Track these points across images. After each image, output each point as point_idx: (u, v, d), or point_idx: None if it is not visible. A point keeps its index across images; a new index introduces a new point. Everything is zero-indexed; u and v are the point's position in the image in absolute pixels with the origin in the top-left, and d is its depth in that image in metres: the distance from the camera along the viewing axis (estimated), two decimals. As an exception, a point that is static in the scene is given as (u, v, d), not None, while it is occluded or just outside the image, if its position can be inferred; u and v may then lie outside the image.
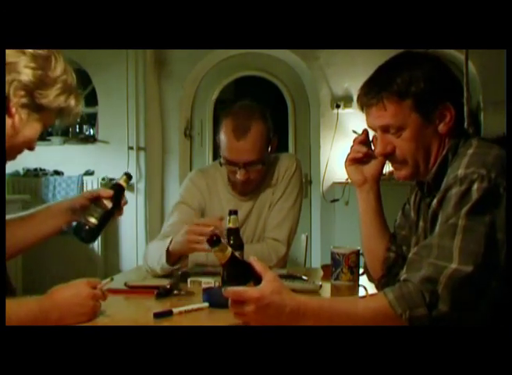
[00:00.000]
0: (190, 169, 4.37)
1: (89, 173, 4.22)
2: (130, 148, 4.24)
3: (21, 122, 1.17)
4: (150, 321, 1.24)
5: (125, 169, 4.19)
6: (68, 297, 1.19)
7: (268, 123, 1.88)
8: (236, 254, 1.17)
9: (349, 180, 1.44)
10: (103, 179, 4.16)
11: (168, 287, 1.50)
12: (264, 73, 4.50)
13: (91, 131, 4.50)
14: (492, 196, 1.07)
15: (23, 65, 1.14)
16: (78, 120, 4.42)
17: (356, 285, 1.49)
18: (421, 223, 1.31)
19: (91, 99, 4.29)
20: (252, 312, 1.04)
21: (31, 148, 1.26)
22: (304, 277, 1.62)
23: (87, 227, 1.40)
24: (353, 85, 4.08)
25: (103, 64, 4.18)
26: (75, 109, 1.26)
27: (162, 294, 1.47)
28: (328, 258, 1.53)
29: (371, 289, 1.45)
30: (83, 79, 4.12)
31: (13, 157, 1.25)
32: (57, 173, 4.24)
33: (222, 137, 1.85)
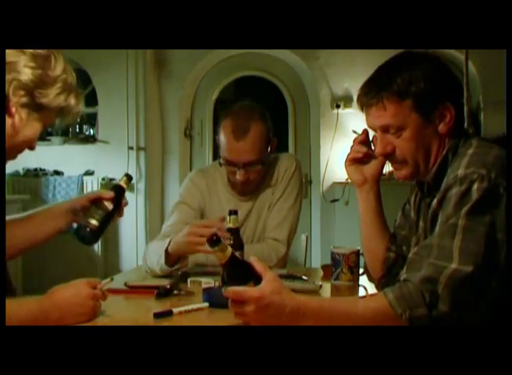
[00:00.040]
0: (190, 169, 4.37)
1: (89, 173, 4.23)
2: (130, 148, 4.24)
3: (21, 121, 1.17)
4: (150, 321, 1.24)
5: (125, 169, 4.19)
6: (68, 297, 1.19)
7: (267, 123, 1.88)
8: (237, 254, 1.17)
9: (349, 180, 1.44)
10: (103, 179, 4.16)
11: (168, 287, 1.50)
12: (264, 73, 4.50)
13: (91, 131, 4.51)
14: (492, 196, 1.07)
15: (22, 64, 1.14)
16: (78, 120, 4.42)
17: (356, 285, 1.49)
18: (421, 223, 1.31)
19: (91, 99, 4.29)
20: (252, 312, 1.04)
21: (32, 148, 1.26)
22: (304, 277, 1.62)
23: (88, 229, 1.40)
24: (353, 85, 4.08)
25: (103, 64, 4.18)
26: (75, 108, 1.26)
27: (162, 294, 1.47)
28: (328, 258, 1.53)
29: (371, 289, 1.45)
30: (83, 79, 4.13)
31: (14, 156, 1.25)
32: (57, 173, 4.24)
33: (222, 137, 1.85)
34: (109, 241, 4.18)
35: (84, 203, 1.46)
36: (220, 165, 1.90)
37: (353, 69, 4.05)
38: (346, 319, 1.06)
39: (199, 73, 4.50)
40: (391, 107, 1.20)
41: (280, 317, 1.05)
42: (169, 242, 1.67)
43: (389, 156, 1.26)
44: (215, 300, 1.34)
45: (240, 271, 1.12)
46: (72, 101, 1.24)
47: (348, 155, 1.41)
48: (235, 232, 1.53)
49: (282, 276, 1.41)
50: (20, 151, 1.25)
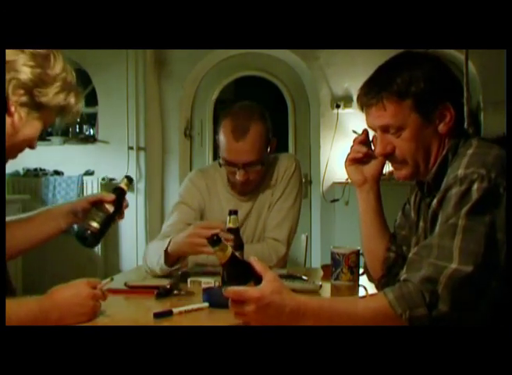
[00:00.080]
0: (190, 169, 4.37)
1: (89, 173, 4.22)
2: (130, 148, 4.24)
3: (21, 120, 1.16)
4: (150, 321, 1.24)
5: (125, 169, 4.19)
6: (68, 297, 1.19)
7: (267, 123, 1.88)
8: (237, 254, 1.17)
9: (349, 180, 1.44)
10: (103, 179, 4.16)
11: (168, 287, 1.50)
12: (264, 73, 4.50)
13: (91, 131, 4.51)
14: (492, 196, 1.07)
15: (21, 63, 1.13)
16: (78, 120, 4.42)
17: (356, 285, 1.49)
18: (421, 223, 1.31)
19: (91, 99, 4.29)
20: (252, 312, 1.04)
21: (32, 147, 1.26)
22: (304, 277, 1.62)
23: (89, 232, 1.40)
24: (353, 85, 4.08)
25: (103, 64, 4.18)
26: (75, 107, 1.25)
27: (162, 294, 1.47)
28: (328, 258, 1.53)
29: (371, 289, 1.45)
30: (83, 79, 4.13)
31: (14, 156, 1.25)
32: (57, 173, 4.24)
33: (222, 137, 1.85)
34: (109, 241, 4.18)
35: (85, 205, 1.46)
36: (220, 165, 1.90)
37: (353, 69, 4.05)
38: (346, 319, 1.06)
39: (199, 73, 4.50)
40: (391, 107, 1.20)
41: (280, 317, 1.05)
42: (169, 242, 1.67)
43: (389, 156, 1.26)
44: (215, 300, 1.34)
45: (240, 271, 1.12)
46: (71, 99, 1.23)
47: (348, 155, 1.41)
48: (235, 232, 1.53)
49: (282, 276, 1.41)
50: (21, 150, 1.25)
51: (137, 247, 4.14)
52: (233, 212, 1.56)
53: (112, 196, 1.45)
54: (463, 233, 1.06)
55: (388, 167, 1.34)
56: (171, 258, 1.67)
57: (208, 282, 1.55)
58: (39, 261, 3.85)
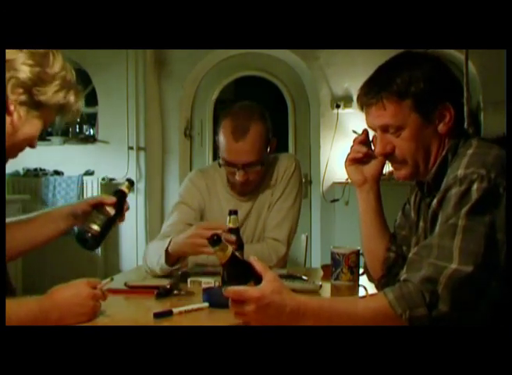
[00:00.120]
0: (190, 169, 4.37)
1: (89, 173, 4.22)
2: (130, 148, 4.24)
3: (20, 119, 1.16)
4: (150, 321, 1.24)
5: (125, 169, 4.20)
6: (68, 297, 1.19)
7: (267, 123, 1.88)
8: (237, 254, 1.17)
9: (349, 180, 1.44)
10: (103, 179, 4.16)
11: (168, 287, 1.50)
12: (264, 73, 4.50)
13: (91, 131, 4.51)
14: (491, 196, 1.07)
15: (20, 62, 1.13)
16: (78, 120, 4.42)
17: (356, 285, 1.49)
18: (421, 223, 1.31)
19: (91, 99, 4.29)
20: (252, 312, 1.04)
21: (32, 146, 1.25)
22: (304, 277, 1.62)
23: (89, 234, 1.39)
24: (353, 85, 4.08)
25: (103, 64, 4.18)
26: (75, 106, 1.25)
27: (162, 294, 1.47)
28: (328, 258, 1.53)
29: (371, 289, 1.45)
30: (83, 79, 4.12)
31: (14, 155, 1.25)
32: (57, 173, 4.24)
33: (221, 138, 1.85)
34: (109, 241, 4.18)
35: (85, 207, 1.46)
36: (220, 166, 1.90)
37: (353, 69, 4.05)
38: (346, 319, 1.06)
39: (199, 73, 4.50)
40: (391, 107, 1.20)
41: (280, 317, 1.05)
42: (169, 242, 1.67)
43: (389, 156, 1.26)
44: (215, 300, 1.34)
45: (240, 271, 1.12)
46: (71, 98, 1.23)
47: (348, 155, 1.41)
48: (235, 232, 1.53)
49: (282, 276, 1.40)
50: (21, 149, 1.25)
51: (137, 247, 4.15)
52: (233, 212, 1.56)
53: (112, 199, 1.44)
54: (463, 234, 1.06)
55: (388, 167, 1.34)
56: (171, 258, 1.67)
57: (208, 282, 1.55)
58: (39, 261, 3.85)
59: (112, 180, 4.20)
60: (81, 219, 1.45)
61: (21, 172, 4.19)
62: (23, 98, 1.15)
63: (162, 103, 4.40)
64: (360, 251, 1.48)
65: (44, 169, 4.25)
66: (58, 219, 1.46)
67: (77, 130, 4.50)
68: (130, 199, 1.50)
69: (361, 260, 1.49)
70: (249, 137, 1.80)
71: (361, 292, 1.47)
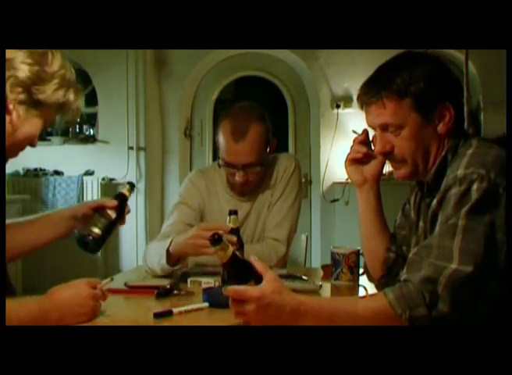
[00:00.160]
0: (190, 169, 4.37)
1: (89, 173, 4.23)
2: (130, 148, 4.24)
3: (19, 118, 1.16)
4: (150, 321, 1.24)
5: (125, 169, 4.19)
6: (68, 297, 1.19)
7: (266, 124, 1.87)
8: (237, 253, 1.17)
9: (349, 180, 1.44)
10: (103, 179, 4.16)
11: (168, 287, 1.50)
12: (264, 73, 4.50)
13: (91, 131, 4.51)
14: (491, 196, 1.07)
15: (19, 61, 1.13)
16: (78, 120, 4.42)
17: (356, 285, 1.49)
18: (421, 223, 1.31)
19: (91, 99, 4.29)
20: (253, 312, 1.04)
21: (33, 145, 1.25)
22: (304, 277, 1.62)
23: (90, 238, 1.39)
24: (353, 85, 4.08)
25: (103, 64, 4.18)
26: (75, 104, 1.25)
27: (162, 294, 1.47)
28: (328, 258, 1.53)
29: (371, 289, 1.45)
30: (83, 79, 4.12)
31: (15, 154, 1.24)
32: (57, 173, 4.24)
33: (221, 139, 1.84)
34: (109, 241, 4.14)
35: (86, 211, 1.45)
36: (219, 166, 1.89)
37: (353, 69, 4.05)
38: (346, 319, 1.06)
39: (199, 73, 4.50)
40: (390, 105, 1.20)
41: (280, 317, 1.05)
42: (170, 242, 1.67)
43: (388, 155, 1.26)
44: (215, 300, 1.34)
45: (240, 270, 1.12)
46: (71, 96, 1.23)
47: (348, 155, 1.41)
48: (235, 232, 1.53)
49: (282, 276, 1.40)
50: (21, 148, 1.24)
51: (137, 247, 4.15)
52: (233, 212, 1.56)
53: (113, 202, 1.44)
54: (463, 234, 1.06)
55: (388, 167, 1.34)
56: (172, 258, 1.67)
57: (208, 282, 1.55)
58: (39, 261, 3.85)
59: (112, 180, 4.20)
60: (81, 222, 1.45)
61: (21, 172, 4.19)
62: (22, 97, 1.15)
63: (162, 103, 4.40)
64: (360, 251, 1.48)
65: (44, 169, 4.25)
66: (59, 221, 1.46)
67: (77, 130, 4.50)
68: (130, 199, 1.50)
69: (361, 260, 1.49)
70: (248, 138, 1.80)
71: (361, 292, 1.47)
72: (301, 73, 4.43)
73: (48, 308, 1.15)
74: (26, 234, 1.44)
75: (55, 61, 1.19)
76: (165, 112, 4.40)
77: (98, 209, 1.44)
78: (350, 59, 4.10)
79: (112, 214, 1.43)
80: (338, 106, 4.16)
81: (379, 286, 1.40)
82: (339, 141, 4.11)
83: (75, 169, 4.21)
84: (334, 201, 4.07)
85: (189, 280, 1.61)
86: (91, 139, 4.39)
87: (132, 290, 1.56)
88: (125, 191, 1.48)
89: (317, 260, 4.01)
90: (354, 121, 3.87)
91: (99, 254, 4.13)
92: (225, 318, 1.19)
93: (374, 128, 1.27)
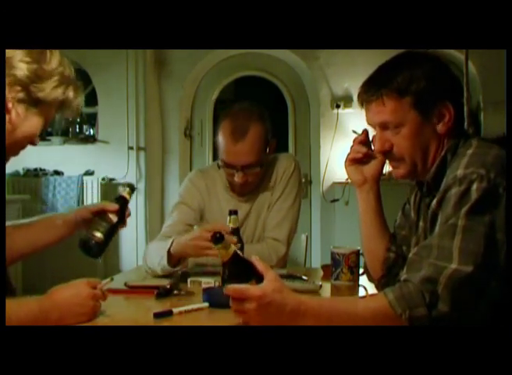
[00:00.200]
0: (190, 169, 4.37)
1: (89, 173, 4.22)
2: (130, 148, 4.24)
3: (18, 117, 1.16)
4: (150, 321, 1.24)
5: (125, 169, 4.19)
6: (68, 297, 1.18)
7: (266, 124, 1.87)
8: (239, 252, 1.17)
9: (349, 180, 1.44)
10: (103, 179, 4.16)
11: (168, 287, 1.50)
12: (264, 73, 4.50)
13: (91, 131, 4.50)
14: (491, 196, 1.07)
15: (17, 59, 1.13)
16: (78, 120, 4.42)
17: (356, 285, 1.49)
18: (421, 223, 1.31)
19: (91, 99, 4.29)
20: (253, 310, 1.04)
21: (33, 143, 1.25)
22: (304, 277, 1.62)
23: (93, 242, 1.39)
24: (353, 85, 4.08)
25: (103, 64, 4.18)
26: (74, 101, 1.24)
27: (162, 294, 1.47)
28: (328, 258, 1.53)
29: (371, 289, 1.45)
30: (83, 79, 4.11)
31: (16, 153, 1.24)
32: (57, 173, 4.24)
33: (220, 139, 1.84)
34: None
35: (87, 215, 1.45)
36: (219, 167, 1.89)
37: (353, 69, 4.05)
38: (346, 318, 1.06)
39: (199, 73, 4.50)
40: (390, 103, 1.20)
41: (281, 316, 1.05)
42: (171, 243, 1.67)
43: (387, 154, 1.27)
44: (215, 300, 1.34)
45: (242, 269, 1.12)
46: (70, 93, 1.22)
47: (348, 155, 1.41)
48: (235, 232, 1.53)
49: (282, 276, 1.40)
50: (22, 147, 1.24)
51: (137, 247, 4.14)
52: (233, 212, 1.56)
53: (115, 206, 1.44)
54: (462, 234, 1.06)
55: (388, 167, 1.34)
56: (173, 259, 1.68)
57: (208, 282, 1.55)
58: (39, 261, 3.84)
59: (112, 180, 4.20)
60: (82, 226, 1.45)
61: (21, 172, 4.19)
62: (20, 95, 1.14)
63: (162, 103, 4.40)
64: (360, 251, 1.48)
65: (44, 169, 4.24)
66: (59, 225, 1.46)
67: (77, 130, 4.50)
68: (130, 199, 1.50)
69: (361, 260, 1.49)
70: (248, 139, 1.80)
71: (361, 292, 1.47)
72: (301, 73, 4.43)
73: (48, 308, 1.15)
74: (27, 237, 1.44)
75: (54, 58, 1.19)
76: (165, 112, 4.40)
77: (99, 213, 1.43)
78: (350, 59, 4.09)
79: (114, 218, 1.43)
80: (338, 106, 4.16)
81: (379, 286, 1.40)
82: (339, 141, 4.10)
83: (75, 169, 4.20)
84: (334, 201, 4.07)
85: (189, 280, 1.61)
86: (91, 139, 4.39)
87: (132, 290, 1.56)
88: (125, 193, 1.47)
89: (317, 260, 4.00)
90: (354, 121, 3.87)
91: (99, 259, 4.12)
92: (225, 318, 1.19)
93: (373, 126, 1.27)
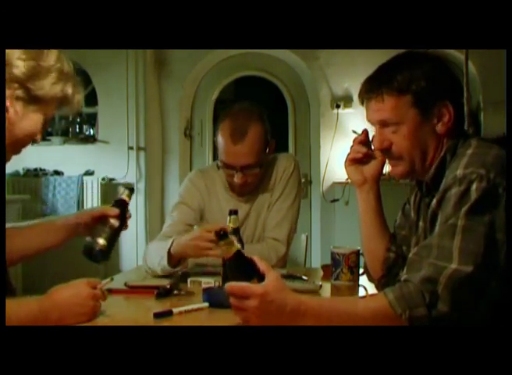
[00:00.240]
0: (190, 169, 4.37)
1: (89, 173, 4.22)
2: (130, 148, 4.24)
3: (16, 115, 1.15)
4: (150, 321, 1.24)
5: (125, 169, 4.19)
6: (68, 297, 1.18)
7: (265, 125, 1.87)
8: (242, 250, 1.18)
9: (349, 180, 1.44)
10: (103, 179, 4.16)
11: (168, 287, 1.50)
12: (264, 73, 4.50)
13: (91, 131, 4.50)
14: (491, 196, 1.07)
15: (15, 57, 1.12)
16: (78, 120, 4.42)
17: (356, 285, 1.49)
18: (420, 223, 1.31)
19: (91, 99, 4.29)
20: (254, 308, 1.04)
21: (36, 140, 1.24)
22: (304, 277, 1.62)
23: (97, 249, 1.38)
24: (353, 85, 4.08)
25: (103, 64, 4.18)
26: (75, 97, 1.24)
27: (162, 294, 1.47)
28: (328, 258, 1.53)
29: (371, 289, 1.45)
30: (83, 79, 4.11)
31: (17, 151, 1.23)
32: (57, 173, 4.24)
33: (220, 140, 1.84)
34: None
35: (87, 220, 1.44)
36: (218, 168, 1.89)
37: (353, 69, 4.05)
38: (346, 318, 1.06)
39: (199, 73, 4.50)
40: (390, 100, 1.20)
41: (281, 315, 1.05)
42: (171, 243, 1.67)
43: (386, 152, 1.27)
44: (215, 300, 1.34)
45: (244, 267, 1.13)
46: (69, 90, 1.21)
47: (348, 155, 1.41)
48: (235, 232, 1.53)
49: (282, 276, 1.40)
50: (24, 145, 1.23)
51: (137, 247, 4.14)
52: (233, 212, 1.56)
53: (115, 211, 1.42)
54: (462, 234, 1.06)
55: (388, 167, 1.34)
56: (173, 259, 1.68)
57: (208, 282, 1.55)
58: (39, 261, 3.83)
59: (112, 180, 4.20)
60: (82, 230, 1.45)
61: (21, 172, 4.19)
62: (18, 93, 1.14)
63: (162, 103, 4.40)
64: (360, 251, 1.48)
65: (44, 169, 4.24)
66: (59, 229, 1.46)
67: (77, 130, 4.50)
68: (130, 201, 1.49)
69: (361, 260, 1.49)
70: (247, 140, 1.80)
71: (361, 292, 1.47)
72: (301, 73, 4.43)
73: (48, 308, 1.15)
74: (27, 239, 1.44)
75: (51, 55, 1.18)
76: (165, 112, 4.40)
77: (100, 218, 1.43)
78: (350, 59, 4.09)
79: (115, 223, 1.42)
80: (338, 106, 4.16)
81: (379, 286, 1.40)
82: (339, 141, 4.10)
83: (75, 169, 4.20)
84: (334, 201, 4.07)
85: (189, 280, 1.61)
86: (91, 139, 4.39)
87: (132, 290, 1.56)
88: (124, 196, 1.46)
89: (317, 260, 4.01)
90: (354, 121, 3.87)
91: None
92: (225, 318, 1.19)
93: (373, 124, 1.27)
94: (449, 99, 1.21)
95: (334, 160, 4.09)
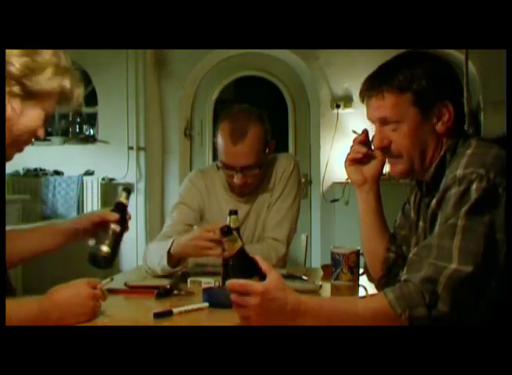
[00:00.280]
0: (190, 169, 4.37)
1: (89, 173, 4.22)
2: (130, 148, 4.24)
3: (14, 111, 1.15)
4: (150, 321, 1.24)
5: (125, 169, 4.19)
6: (68, 297, 1.18)
7: (265, 125, 1.87)
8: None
9: (349, 180, 1.44)
10: (103, 179, 4.16)
11: (168, 287, 1.50)
12: (264, 73, 4.50)
13: (91, 131, 4.50)
14: (491, 196, 1.07)
15: (10, 54, 1.12)
16: (78, 120, 4.42)
17: (356, 285, 1.49)
18: (420, 223, 1.31)
19: (91, 99, 4.29)
20: (255, 305, 1.04)
21: (38, 137, 1.23)
22: (304, 277, 1.62)
23: (101, 256, 1.37)
24: (353, 85, 4.07)
25: (103, 64, 4.18)
26: (74, 92, 1.23)
27: (162, 294, 1.47)
28: (328, 258, 1.53)
29: (371, 289, 1.45)
30: (83, 79, 4.11)
31: (20, 149, 1.23)
32: (57, 173, 4.24)
33: (220, 140, 1.84)
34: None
35: (87, 225, 1.44)
36: (218, 168, 1.89)
37: (353, 69, 4.04)
38: (346, 318, 1.06)
39: (199, 73, 4.49)
40: (391, 98, 1.20)
41: (281, 314, 1.05)
42: (172, 243, 1.67)
43: (385, 150, 1.27)
44: (215, 300, 1.34)
45: (246, 265, 1.13)
46: (67, 84, 1.20)
47: (348, 155, 1.41)
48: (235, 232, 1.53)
49: (282, 276, 1.40)
50: (25, 142, 1.22)
51: (137, 247, 4.14)
52: (233, 212, 1.56)
53: (115, 216, 1.41)
54: (462, 234, 1.06)
55: (388, 167, 1.34)
56: (173, 259, 1.68)
57: (208, 282, 1.55)
58: (39, 261, 3.82)
59: (112, 180, 4.19)
60: (82, 235, 1.44)
61: (21, 172, 4.19)
62: (15, 89, 1.13)
63: (162, 103, 4.39)
64: (360, 251, 1.48)
65: (44, 169, 4.24)
66: (59, 233, 1.46)
67: (77, 130, 4.50)
68: (130, 199, 1.49)
69: (361, 260, 1.49)
70: (247, 140, 1.80)
71: (361, 292, 1.47)
72: (301, 73, 4.43)
73: (48, 308, 1.15)
74: (27, 242, 1.44)
75: (46, 50, 1.17)
76: (165, 112, 4.40)
77: (100, 224, 1.42)
78: (350, 59, 4.09)
79: (116, 227, 1.41)
80: (338, 106, 4.15)
81: (379, 286, 1.40)
82: (339, 141, 4.10)
83: (75, 169, 4.20)
84: (334, 201, 4.07)
85: (189, 280, 1.61)
86: (91, 139, 4.38)
87: (132, 290, 1.56)
88: (122, 199, 1.45)
89: (317, 260, 4.00)
90: (354, 121, 3.87)
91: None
92: (225, 318, 1.19)
93: (373, 122, 1.27)
94: (450, 99, 1.22)
95: (334, 160, 4.09)
